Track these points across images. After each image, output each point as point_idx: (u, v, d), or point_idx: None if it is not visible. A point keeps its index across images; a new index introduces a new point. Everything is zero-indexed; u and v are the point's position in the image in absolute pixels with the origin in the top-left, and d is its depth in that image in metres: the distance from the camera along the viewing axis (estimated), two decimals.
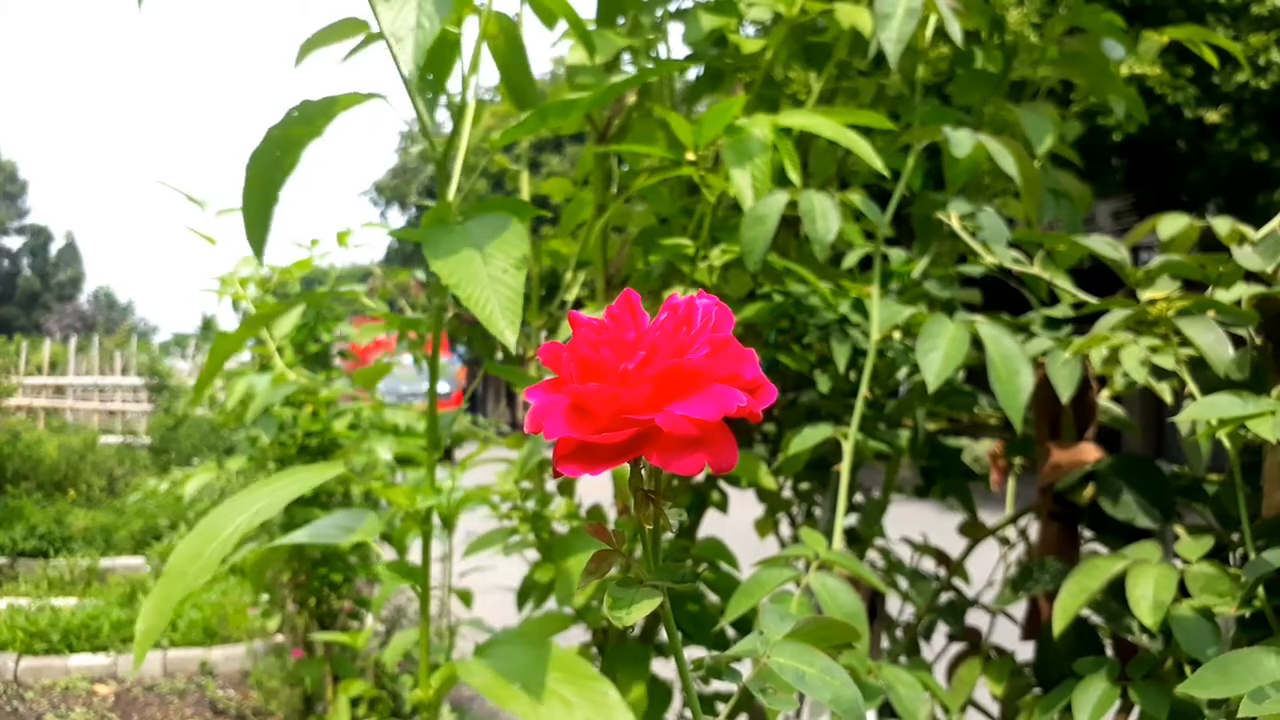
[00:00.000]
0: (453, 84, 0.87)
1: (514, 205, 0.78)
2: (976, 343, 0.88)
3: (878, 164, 0.91)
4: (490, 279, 0.68)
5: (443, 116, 0.89)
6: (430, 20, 0.68)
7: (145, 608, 0.72)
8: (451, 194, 0.81)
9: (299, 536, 0.84)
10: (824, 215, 0.89)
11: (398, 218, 25.75)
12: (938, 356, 0.85)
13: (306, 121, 0.76)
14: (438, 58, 0.82)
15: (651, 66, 1.20)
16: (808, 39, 1.15)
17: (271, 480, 0.80)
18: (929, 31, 1.07)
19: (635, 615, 0.33)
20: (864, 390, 0.92)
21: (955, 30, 0.96)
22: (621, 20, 1.16)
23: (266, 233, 0.78)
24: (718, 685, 0.40)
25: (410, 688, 2.47)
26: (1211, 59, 1.22)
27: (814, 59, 1.16)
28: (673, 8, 1.18)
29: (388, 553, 2.85)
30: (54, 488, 5.46)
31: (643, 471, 0.36)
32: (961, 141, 0.94)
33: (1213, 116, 7.28)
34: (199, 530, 0.74)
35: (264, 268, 1.78)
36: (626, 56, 1.18)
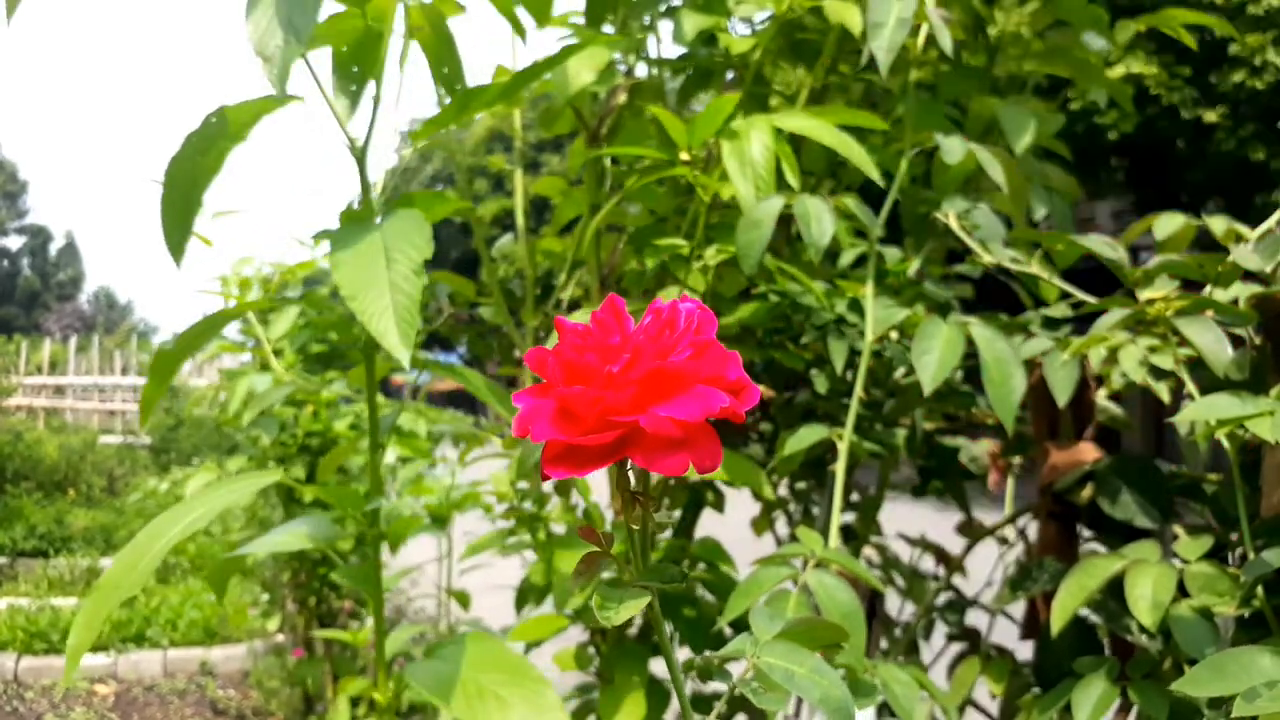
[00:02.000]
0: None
1: (425, 199, 0.76)
2: (971, 344, 0.88)
3: (873, 172, 0.91)
4: (390, 285, 0.65)
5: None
6: (296, 38, 0.66)
7: (77, 622, 0.71)
8: (375, 191, 0.79)
9: (251, 547, 0.83)
10: (819, 219, 0.89)
11: None
12: (932, 359, 0.85)
13: (226, 128, 0.74)
14: (360, 53, 0.79)
15: (644, 69, 1.20)
16: (797, 36, 1.15)
17: (208, 491, 0.79)
18: (920, 40, 1.07)
19: (623, 615, 0.34)
20: (859, 390, 0.92)
21: (945, 41, 0.96)
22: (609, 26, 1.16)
23: (187, 240, 0.75)
24: (717, 685, 0.40)
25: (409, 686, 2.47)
26: (1189, 41, 1.21)
27: (803, 56, 1.16)
28: (662, 7, 1.18)
29: (388, 553, 2.86)
30: (54, 487, 5.47)
31: (630, 473, 0.36)
32: (953, 149, 0.94)
33: (1210, 116, 7.28)
34: (134, 544, 0.73)
35: (274, 270, 1.78)
36: (616, 55, 1.18)
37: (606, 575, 0.36)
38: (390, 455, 2.14)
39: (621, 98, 1.14)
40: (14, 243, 44.67)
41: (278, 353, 1.67)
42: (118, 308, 48.97)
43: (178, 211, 0.75)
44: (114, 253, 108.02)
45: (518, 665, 0.75)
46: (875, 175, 0.91)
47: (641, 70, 1.23)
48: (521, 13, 1.01)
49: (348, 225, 0.72)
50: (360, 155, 0.77)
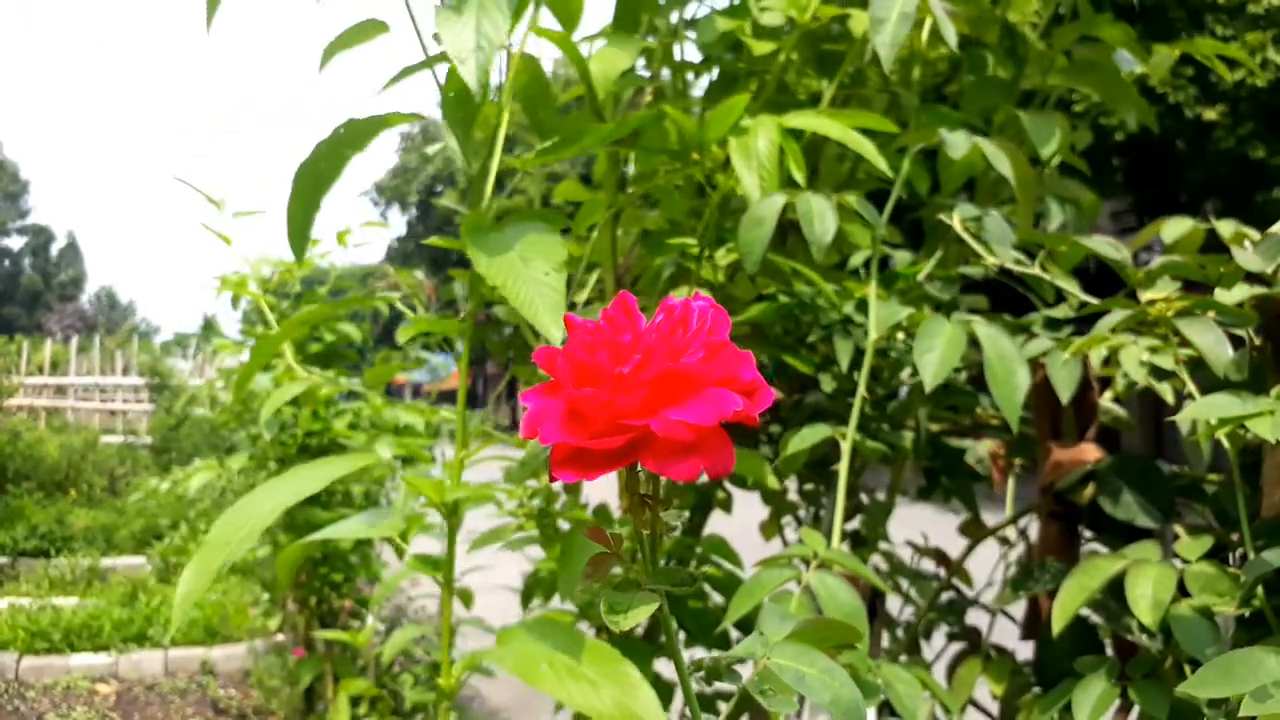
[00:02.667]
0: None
1: (546, 215, 0.85)
2: (975, 343, 0.88)
3: (882, 165, 0.91)
4: (532, 281, 0.74)
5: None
6: (488, 43, 0.77)
7: (187, 573, 0.77)
8: (485, 204, 0.88)
9: (329, 533, 0.88)
10: (821, 217, 0.89)
11: (397, 218, 25.77)
12: (934, 357, 0.85)
13: (352, 137, 0.85)
14: (470, 96, 0.88)
15: (667, 73, 1.21)
16: (821, 46, 1.15)
17: (302, 468, 0.88)
18: (925, 34, 1.07)
19: (632, 620, 0.33)
20: (862, 390, 0.93)
21: (950, 34, 0.96)
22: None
23: (307, 240, 0.87)
24: (722, 684, 0.40)
25: (410, 686, 2.48)
26: (1224, 71, 1.23)
27: (826, 66, 1.16)
28: (688, 14, 1.18)
29: (388, 552, 2.86)
30: (55, 487, 5.47)
31: (640, 476, 0.35)
32: (957, 144, 0.95)
33: (1210, 114, 7.28)
34: (238, 507, 0.80)
35: (275, 270, 1.79)
36: (640, 60, 1.19)
37: (614, 576, 0.35)
38: (386, 452, 2.14)
39: (646, 99, 1.15)
40: (15, 243, 44.67)
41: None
42: (119, 308, 48.95)
43: (301, 216, 0.86)
44: (115, 253, 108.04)
45: (599, 648, 0.78)
46: (885, 168, 0.92)
47: (664, 75, 1.24)
48: (548, 19, 1.03)
49: (476, 232, 0.81)
50: (480, 174, 0.89)
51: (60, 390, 9.54)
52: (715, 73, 1.23)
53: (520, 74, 0.94)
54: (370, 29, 0.91)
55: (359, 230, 1.78)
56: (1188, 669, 0.73)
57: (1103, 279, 1.04)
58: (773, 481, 1.03)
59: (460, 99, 0.86)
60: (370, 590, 2.74)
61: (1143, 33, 1.25)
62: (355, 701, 2.18)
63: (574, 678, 0.75)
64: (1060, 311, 1.00)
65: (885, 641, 1.18)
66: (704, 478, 0.31)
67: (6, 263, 44.35)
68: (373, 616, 2.72)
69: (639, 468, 0.35)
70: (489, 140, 0.89)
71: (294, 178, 0.85)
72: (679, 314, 0.34)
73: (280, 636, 3.10)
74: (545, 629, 0.81)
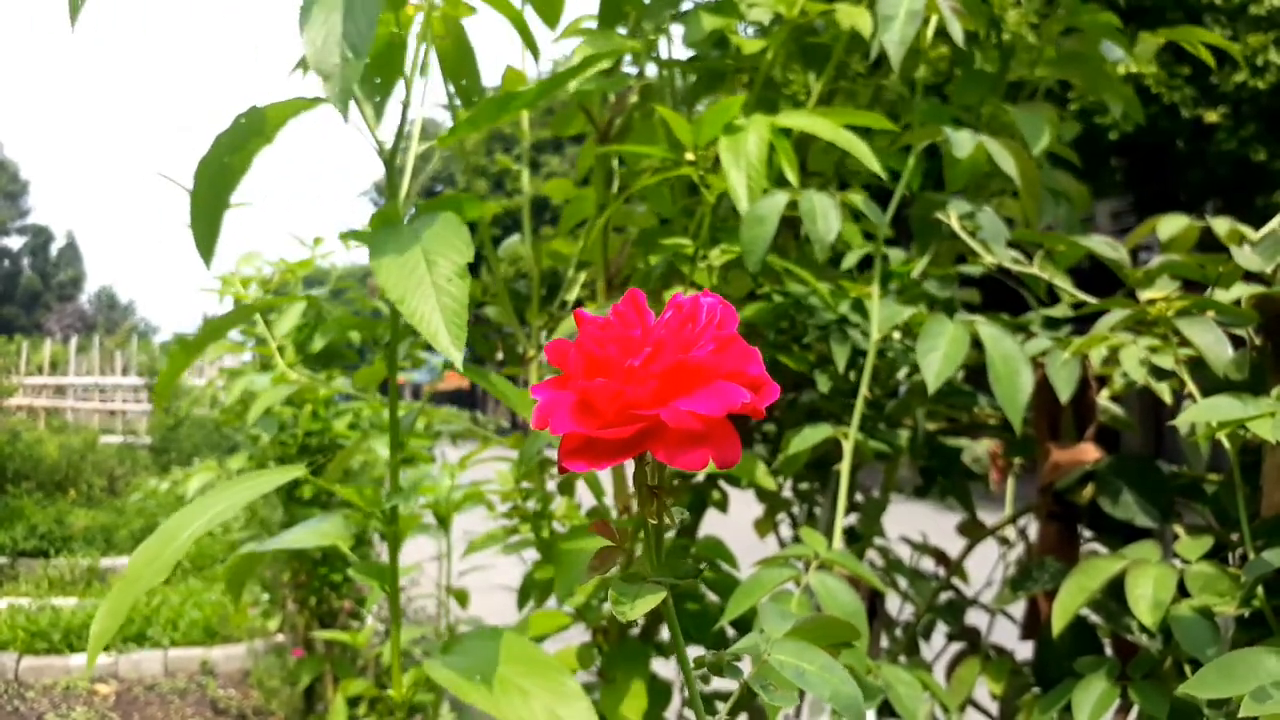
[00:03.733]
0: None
1: (457, 202, 0.76)
2: (976, 343, 0.88)
3: (875, 165, 0.91)
4: (434, 288, 0.66)
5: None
6: (354, 54, 0.66)
7: (101, 610, 0.71)
8: (401, 195, 0.80)
9: (271, 544, 0.84)
10: (824, 216, 0.89)
11: None
12: (938, 357, 0.85)
13: (256, 128, 0.74)
14: (384, 60, 0.81)
15: (654, 70, 1.21)
16: (807, 40, 1.15)
17: (232, 484, 0.79)
18: (930, 32, 1.07)
19: (639, 610, 0.34)
20: (864, 390, 0.93)
21: (956, 31, 0.97)
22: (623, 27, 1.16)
23: (215, 240, 0.76)
24: (717, 684, 0.40)
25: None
26: (1208, 59, 1.22)
27: (813, 60, 1.16)
28: (674, 10, 1.18)
29: (388, 553, 2.85)
30: (54, 487, 5.47)
31: (647, 467, 0.36)
32: (963, 142, 0.94)
33: (1211, 116, 7.29)
34: (158, 534, 0.73)
35: (275, 269, 1.78)
36: (627, 57, 1.18)
37: (616, 572, 0.36)
38: (385, 452, 2.14)
39: (632, 99, 1.15)
40: (15, 243, 44.67)
41: (280, 350, 1.67)
42: (118, 308, 48.95)
43: (207, 211, 0.75)
44: (115, 253, 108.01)
45: (537, 656, 0.76)
46: (879, 169, 0.92)
47: (651, 71, 1.23)
48: (531, 15, 1.02)
49: (382, 228, 0.73)
50: (389, 159, 0.78)
51: (59, 390, 9.54)
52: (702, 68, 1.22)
53: (441, 38, 0.86)
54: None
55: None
56: (1188, 669, 0.73)
57: (1099, 277, 1.04)
58: (768, 481, 1.03)
59: (367, 76, 0.78)
60: (370, 591, 2.74)
61: (1139, 31, 1.25)
62: (354, 702, 2.18)
63: (505, 689, 0.73)
64: (1059, 310, 1.00)
65: (885, 642, 1.18)
66: (701, 476, 0.31)
67: (6, 263, 44.34)
68: (372, 617, 2.72)
69: (647, 459, 0.35)
70: (400, 121, 0.79)
71: (194, 175, 0.74)
72: (688, 309, 0.35)
73: (280, 637, 3.10)
74: (483, 639, 0.79)
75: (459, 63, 0.91)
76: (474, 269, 0.73)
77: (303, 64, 0.87)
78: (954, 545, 1.20)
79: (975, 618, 1.15)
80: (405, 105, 0.80)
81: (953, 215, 0.98)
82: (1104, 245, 0.93)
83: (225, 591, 3.59)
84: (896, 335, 1.04)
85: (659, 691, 1.10)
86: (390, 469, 0.83)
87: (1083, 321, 0.96)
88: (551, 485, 1.21)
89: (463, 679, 0.74)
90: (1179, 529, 0.86)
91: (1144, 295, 0.86)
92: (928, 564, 1.23)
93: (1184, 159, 7.87)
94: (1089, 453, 0.94)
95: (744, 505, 1.29)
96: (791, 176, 0.94)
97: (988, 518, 1.19)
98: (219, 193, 0.75)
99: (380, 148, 0.78)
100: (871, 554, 1.20)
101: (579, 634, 1.16)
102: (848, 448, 0.91)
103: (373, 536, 2.44)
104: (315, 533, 0.84)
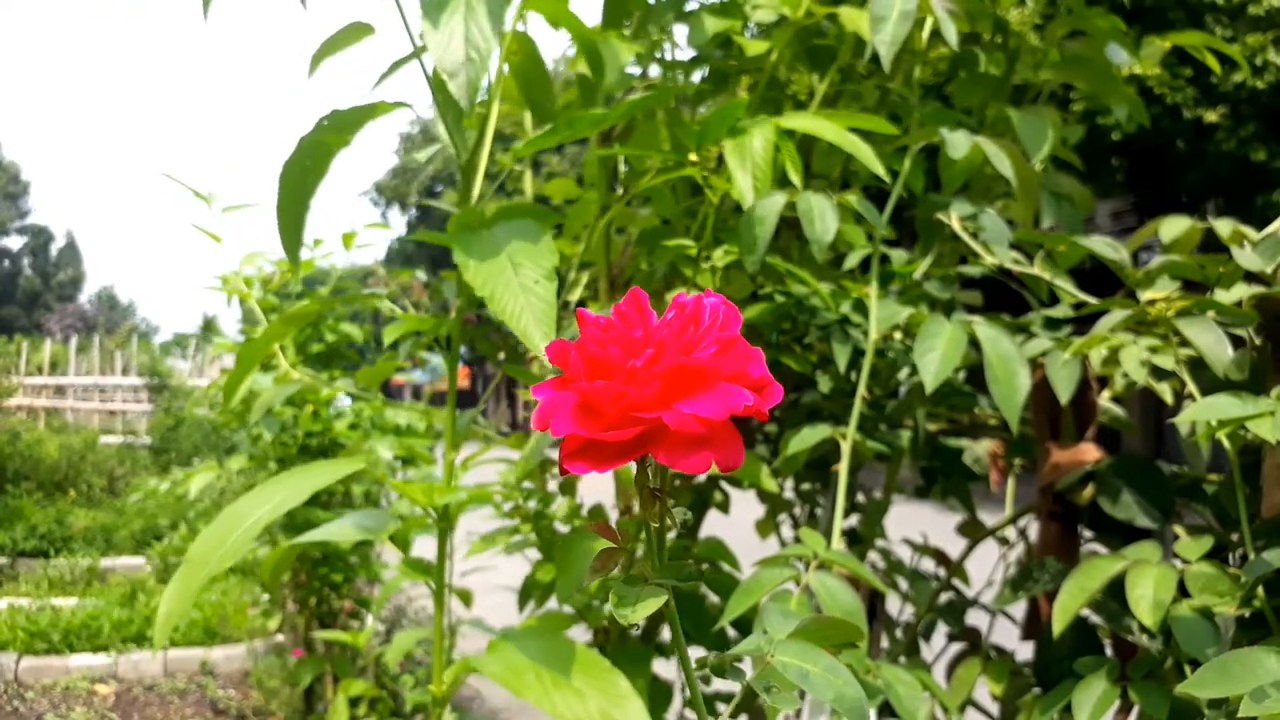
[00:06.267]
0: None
1: (538, 212, 0.80)
2: (976, 344, 0.88)
3: (878, 168, 0.91)
4: (522, 289, 0.70)
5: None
6: (478, 54, 0.71)
7: (168, 593, 0.73)
8: (474, 199, 0.84)
9: (317, 535, 0.84)
10: (822, 216, 0.89)
11: (398, 218, 25.78)
12: (935, 357, 0.85)
13: (337, 130, 0.79)
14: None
15: (657, 71, 1.21)
16: (812, 42, 1.15)
17: (292, 474, 0.82)
18: (925, 33, 1.07)
19: (641, 613, 0.33)
20: (862, 390, 0.93)
21: (950, 33, 0.97)
22: (627, 25, 1.16)
23: (300, 239, 0.81)
24: (718, 686, 0.40)
25: (411, 687, 2.48)
26: (1214, 64, 1.22)
27: (818, 62, 1.16)
28: (678, 11, 1.18)
29: (388, 553, 2.85)
30: (54, 488, 5.47)
31: (649, 469, 0.35)
32: (958, 143, 0.95)
33: (1211, 116, 7.29)
34: (222, 519, 0.76)
35: (276, 269, 1.78)
36: (630, 59, 1.18)
37: (618, 573, 0.35)
38: (386, 453, 2.14)
39: (635, 98, 1.15)
40: (15, 243, 44.66)
41: (282, 349, 1.67)
42: (119, 308, 48.92)
43: (291, 213, 0.80)
44: (115, 253, 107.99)
45: (588, 657, 0.77)
46: (880, 171, 0.92)
47: (654, 73, 1.23)
48: (533, 15, 1.02)
49: (463, 231, 0.77)
50: (468, 168, 0.83)
51: (59, 390, 9.54)
52: (705, 69, 1.23)
53: (514, 54, 0.89)
54: (357, 32, 0.87)
55: (364, 231, 1.78)
56: (1188, 669, 0.73)
57: (1099, 278, 1.04)
58: (770, 483, 1.03)
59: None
60: (370, 590, 2.74)
61: (1142, 33, 1.25)
62: (355, 702, 2.18)
63: (560, 688, 0.74)
64: (1059, 311, 1.00)
65: (885, 642, 1.18)
66: (702, 477, 0.31)
67: (6, 263, 44.34)
68: (372, 617, 2.72)
69: (649, 461, 0.35)
70: (478, 130, 0.84)
71: (280, 176, 0.79)
72: (691, 310, 0.34)
73: (280, 637, 3.10)
74: (534, 638, 0.80)
75: (532, 79, 0.95)
76: None
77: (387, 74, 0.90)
78: (954, 546, 1.20)
79: (976, 618, 1.15)
80: (484, 116, 0.84)
81: (954, 216, 0.98)
82: (1105, 246, 0.93)
83: (247, 582, 3.60)
84: (898, 336, 1.04)
85: (660, 692, 1.11)
86: (446, 466, 0.86)
87: (1083, 322, 0.97)
88: (553, 485, 1.21)
89: (519, 674, 0.75)
90: (1179, 529, 0.86)
91: (1144, 296, 0.86)
92: (928, 564, 1.23)
93: (1184, 159, 7.87)
94: (1089, 453, 0.94)
95: (746, 505, 1.29)
96: (795, 178, 0.94)
97: (988, 518, 1.19)
98: (302, 195, 0.80)
99: (459, 154, 0.82)
100: (873, 555, 1.20)
101: (580, 634, 1.17)
102: (845, 448, 0.91)
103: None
104: (356, 527, 0.85)
